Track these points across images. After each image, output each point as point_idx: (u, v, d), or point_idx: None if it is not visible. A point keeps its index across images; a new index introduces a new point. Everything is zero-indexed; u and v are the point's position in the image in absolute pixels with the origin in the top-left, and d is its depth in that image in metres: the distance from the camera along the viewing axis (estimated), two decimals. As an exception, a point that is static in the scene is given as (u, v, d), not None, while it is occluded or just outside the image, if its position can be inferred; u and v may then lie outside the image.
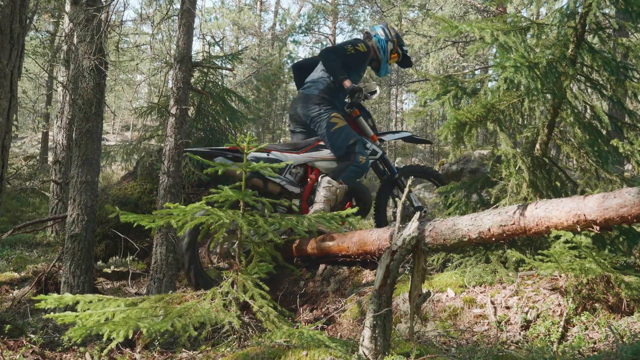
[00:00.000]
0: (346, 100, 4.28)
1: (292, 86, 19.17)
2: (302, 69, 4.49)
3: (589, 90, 2.93)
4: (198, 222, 2.58)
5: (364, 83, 4.20)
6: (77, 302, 2.29)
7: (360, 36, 17.53)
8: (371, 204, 4.25)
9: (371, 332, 1.92)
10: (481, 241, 2.52)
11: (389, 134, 4.56)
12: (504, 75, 2.62)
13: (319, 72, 4.24)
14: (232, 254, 3.72)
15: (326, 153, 4.06)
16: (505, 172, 2.97)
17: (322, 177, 3.92)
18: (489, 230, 2.43)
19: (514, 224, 2.37)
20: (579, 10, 2.72)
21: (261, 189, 3.86)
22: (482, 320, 2.55)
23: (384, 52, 4.35)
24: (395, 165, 4.53)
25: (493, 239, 2.47)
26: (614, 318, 2.30)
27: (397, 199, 2.68)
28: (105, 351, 2.26)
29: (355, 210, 2.93)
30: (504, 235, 2.42)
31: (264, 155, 3.86)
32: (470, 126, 2.89)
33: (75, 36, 4.03)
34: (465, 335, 2.47)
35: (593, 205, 2.10)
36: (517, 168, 2.92)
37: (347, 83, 4.01)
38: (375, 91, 4.35)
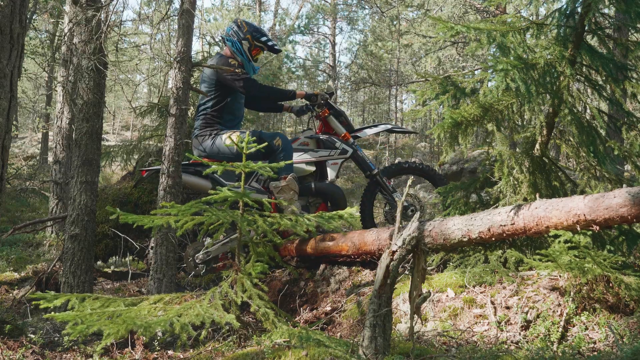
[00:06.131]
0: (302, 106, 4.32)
1: (291, 86, 19.15)
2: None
3: (588, 90, 2.93)
4: (197, 222, 2.58)
5: (322, 87, 4.19)
6: (82, 300, 2.29)
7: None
8: (346, 204, 4.10)
9: (371, 332, 1.93)
10: (481, 241, 2.52)
11: (367, 129, 4.48)
12: (496, 79, 2.63)
13: (199, 108, 4.10)
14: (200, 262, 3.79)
15: (296, 156, 4.06)
16: (499, 173, 2.97)
17: (270, 185, 3.85)
18: (489, 230, 2.44)
19: (513, 224, 2.37)
20: (579, 10, 2.72)
21: None
22: (482, 320, 2.55)
23: (241, 54, 4.09)
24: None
25: (493, 239, 2.47)
26: (614, 318, 2.30)
27: (396, 199, 2.67)
28: (99, 347, 2.26)
29: (355, 209, 2.93)
30: (504, 235, 2.42)
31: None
32: (466, 126, 2.90)
33: (74, 36, 4.03)
34: (465, 335, 2.47)
35: (593, 205, 2.10)
36: (514, 170, 2.92)
37: (300, 93, 4.09)
38: (332, 92, 4.37)
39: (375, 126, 4.60)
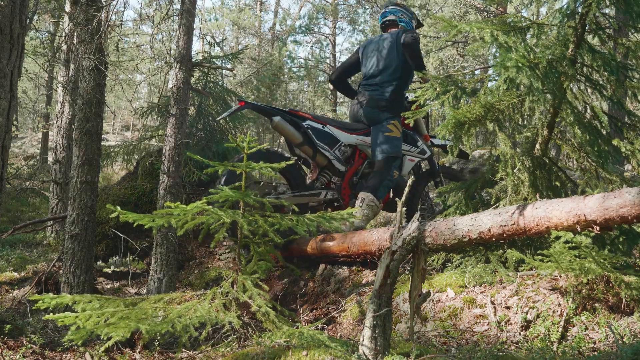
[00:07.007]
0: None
1: (292, 86, 19.13)
2: (342, 78, 4.44)
3: (589, 90, 2.92)
4: (198, 222, 2.57)
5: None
6: (76, 303, 2.29)
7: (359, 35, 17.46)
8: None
9: (371, 332, 1.92)
10: (481, 241, 2.52)
11: (438, 139, 4.51)
12: (505, 75, 2.61)
13: (384, 71, 4.08)
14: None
15: None
16: (502, 172, 2.97)
17: (364, 194, 3.83)
18: (489, 230, 2.43)
19: (514, 224, 2.36)
20: (579, 10, 2.72)
21: (310, 157, 3.94)
22: (482, 320, 2.54)
23: None
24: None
25: (493, 239, 2.47)
26: (614, 318, 2.30)
27: (396, 199, 2.67)
28: (102, 348, 2.26)
29: (355, 210, 2.92)
30: (504, 235, 2.42)
31: (320, 126, 3.94)
32: (469, 125, 2.89)
33: (75, 36, 4.03)
34: (465, 335, 2.47)
35: (593, 206, 2.10)
36: (515, 169, 2.91)
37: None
38: None
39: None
